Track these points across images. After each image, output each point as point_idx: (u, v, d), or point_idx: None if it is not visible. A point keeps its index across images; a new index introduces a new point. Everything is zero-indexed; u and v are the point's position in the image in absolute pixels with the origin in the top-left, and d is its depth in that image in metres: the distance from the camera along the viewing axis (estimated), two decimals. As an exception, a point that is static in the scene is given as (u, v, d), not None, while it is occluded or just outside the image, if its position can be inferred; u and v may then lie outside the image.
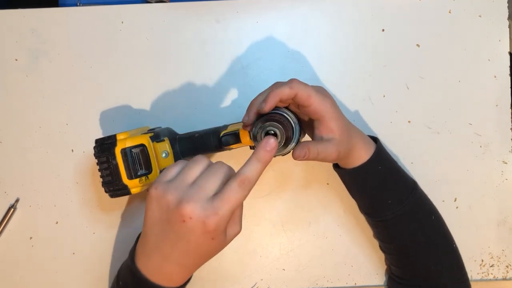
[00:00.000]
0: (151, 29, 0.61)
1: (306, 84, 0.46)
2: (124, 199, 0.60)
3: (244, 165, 0.40)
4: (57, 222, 0.60)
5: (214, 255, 0.42)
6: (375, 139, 0.53)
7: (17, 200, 0.60)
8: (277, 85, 0.46)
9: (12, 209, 0.59)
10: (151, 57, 0.61)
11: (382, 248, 0.57)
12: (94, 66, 0.61)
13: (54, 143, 0.60)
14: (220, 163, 0.42)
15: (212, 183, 0.39)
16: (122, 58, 0.61)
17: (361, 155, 0.50)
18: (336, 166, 0.54)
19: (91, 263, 0.60)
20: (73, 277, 0.60)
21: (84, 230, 0.60)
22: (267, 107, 0.44)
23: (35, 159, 0.60)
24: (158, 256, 0.42)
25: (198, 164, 0.41)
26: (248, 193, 0.39)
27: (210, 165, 0.42)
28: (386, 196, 0.51)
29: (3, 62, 0.60)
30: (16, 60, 0.61)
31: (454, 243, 0.53)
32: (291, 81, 0.45)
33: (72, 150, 0.60)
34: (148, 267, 0.43)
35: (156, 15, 0.61)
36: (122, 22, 0.61)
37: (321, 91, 0.48)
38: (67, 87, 0.61)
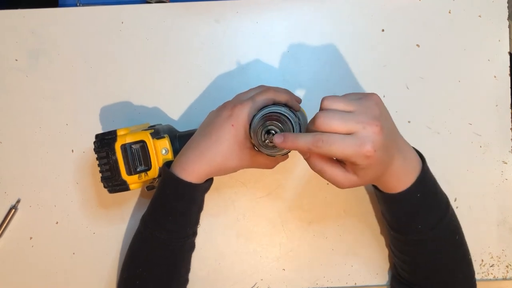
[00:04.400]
0: (151, 29, 0.61)
1: (334, 137, 0.39)
2: (125, 199, 0.60)
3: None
4: (57, 222, 0.60)
5: (232, 161, 0.48)
6: (421, 157, 0.48)
7: (18, 201, 0.60)
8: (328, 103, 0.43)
9: (14, 210, 0.59)
10: (151, 57, 0.61)
11: (396, 255, 0.55)
12: (94, 66, 0.61)
13: (54, 143, 0.60)
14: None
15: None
16: (122, 58, 0.61)
17: (398, 184, 0.46)
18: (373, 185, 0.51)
19: (91, 263, 0.60)
20: (73, 277, 0.60)
21: (84, 230, 0.60)
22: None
23: (35, 159, 0.60)
24: (191, 154, 0.49)
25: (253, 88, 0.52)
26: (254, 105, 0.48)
27: (261, 87, 0.52)
28: (418, 220, 0.48)
29: (3, 62, 0.61)
30: (16, 60, 0.61)
31: (470, 255, 0.52)
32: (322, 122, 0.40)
33: (72, 150, 0.60)
34: (180, 166, 0.48)
35: (156, 15, 0.61)
36: (122, 22, 0.61)
37: (365, 123, 0.40)
38: (67, 87, 0.61)
